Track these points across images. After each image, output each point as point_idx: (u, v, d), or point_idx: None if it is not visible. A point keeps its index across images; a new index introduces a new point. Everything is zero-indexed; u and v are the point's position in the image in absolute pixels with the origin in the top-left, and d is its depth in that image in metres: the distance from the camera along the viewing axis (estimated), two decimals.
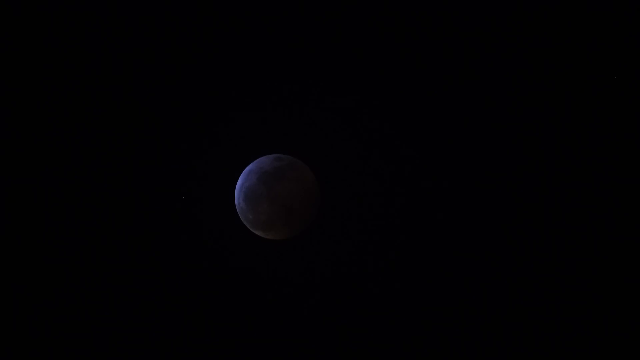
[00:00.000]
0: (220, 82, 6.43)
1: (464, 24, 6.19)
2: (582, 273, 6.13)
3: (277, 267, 6.45)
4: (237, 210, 6.19)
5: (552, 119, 6.19)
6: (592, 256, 6.12)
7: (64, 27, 6.22)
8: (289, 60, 6.38)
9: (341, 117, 6.42)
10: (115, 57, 6.30)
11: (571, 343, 6.10)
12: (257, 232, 6.21)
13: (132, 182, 6.42)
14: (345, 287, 6.44)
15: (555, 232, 6.18)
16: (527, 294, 6.19)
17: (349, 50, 6.32)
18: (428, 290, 6.35)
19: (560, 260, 6.17)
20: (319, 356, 6.36)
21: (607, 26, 6.04)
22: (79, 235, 6.35)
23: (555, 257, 6.17)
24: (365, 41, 6.29)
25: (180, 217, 6.43)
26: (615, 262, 6.06)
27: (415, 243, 6.40)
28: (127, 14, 6.25)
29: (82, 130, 6.35)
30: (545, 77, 6.17)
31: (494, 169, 6.30)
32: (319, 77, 6.39)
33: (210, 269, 6.46)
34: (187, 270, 6.42)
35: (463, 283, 6.28)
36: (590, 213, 6.14)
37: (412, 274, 6.39)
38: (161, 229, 6.42)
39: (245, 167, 6.22)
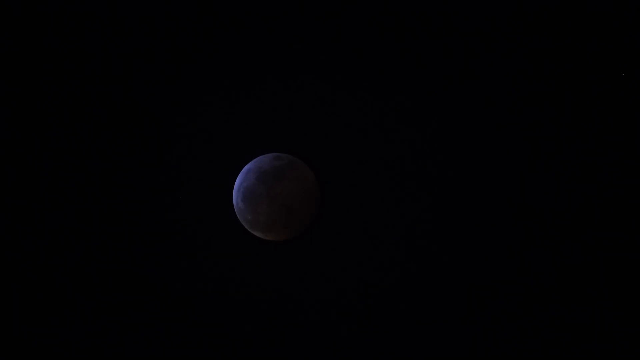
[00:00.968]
0: (217, 79, 6.44)
1: (465, 22, 6.21)
2: (583, 273, 6.14)
3: (277, 269, 6.47)
4: (236, 210, 6.15)
5: (554, 121, 6.21)
6: (592, 256, 6.14)
7: (62, 26, 6.26)
8: (288, 57, 6.39)
9: (342, 114, 6.43)
10: (112, 56, 6.32)
11: (571, 343, 6.13)
12: (256, 233, 6.18)
13: (126, 181, 6.42)
14: (346, 289, 6.44)
15: (556, 233, 6.20)
16: (528, 294, 6.21)
17: (350, 47, 6.34)
18: (430, 291, 6.35)
19: (562, 262, 6.19)
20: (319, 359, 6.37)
21: (607, 26, 6.06)
22: (72, 237, 6.34)
23: (557, 259, 6.20)
24: (369, 37, 6.31)
25: (177, 217, 6.44)
26: (615, 262, 6.09)
27: (417, 244, 6.40)
28: (124, 11, 6.27)
29: (77, 129, 6.36)
30: (548, 77, 6.20)
31: (498, 169, 6.31)
32: (319, 74, 6.40)
33: (207, 271, 6.46)
34: (183, 273, 6.43)
35: (466, 285, 6.29)
36: (590, 213, 6.16)
37: (413, 275, 6.39)
38: (157, 230, 6.43)
39: (244, 166, 6.19)
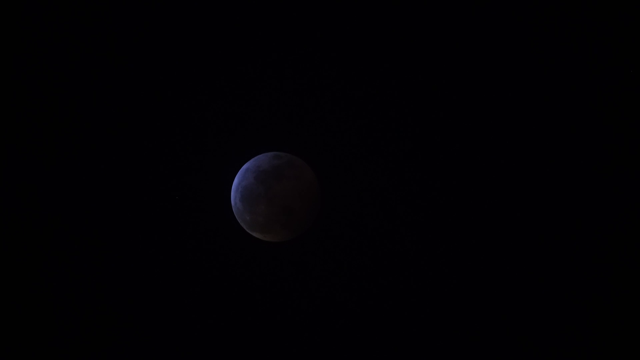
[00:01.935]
0: (215, 77, 6.43)
1: (466, 22, 6.21)
2: (582, 274, 6.17)
3: (276, 270, 6.47)
4: (234, 210, 6.14)
5: (556, 121, 6.23)
6: (592, 257, 6.16)
7: (62, 25, 6.29)
8: (287, 54, 6.39)
9: (342, 112, 6.42)
10: (111, 55, 6.35)
11: (571, 343, 6.16)
12: (255, 234, 6.16)
13: (123, 180, 6.43)
14: (346, 291, 6.45)
15: (558, 234, 6.23)
16: (530, 295, 6.24)
17: (351, 44, 6.33)
18: (431, 292, 6.37)
19: (561, 263, 6.22)
20: None
21: (607, 26, 6.09)
22: (70, 237, 6.37)
23: (559, 260, 6.22)
24: (371, 35, 6.30)
25: (174, 218, 6.45)
26: (615, 262, 6.12)
27: (418, 244, 6.41)
28: (124, 11, 6.29)
29: (75, 129, 6.38)
30: (548, 77, 6.22)
31: (499, 169, 6.32)
32: (319, 72, 6.40)
33: (204, 272, 6.47)
34: (181, 274, 6.44)
35: (466, 286, 6.31)
36: (590, 213, 6.18)
37: (415, 276, 6.41)
38: (153, 230, 6.43)
39: (242, 165, 6.17)
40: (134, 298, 6.39)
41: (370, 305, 6.40)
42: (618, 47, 6.07)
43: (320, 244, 6.42)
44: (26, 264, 6.32)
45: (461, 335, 6.26)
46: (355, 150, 6.42)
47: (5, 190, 6.32)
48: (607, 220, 6.12)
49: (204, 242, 6.45)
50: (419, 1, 6.21)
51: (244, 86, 6.42)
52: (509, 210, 6.27)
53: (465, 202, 6.33)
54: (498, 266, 6.27)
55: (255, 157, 6.15)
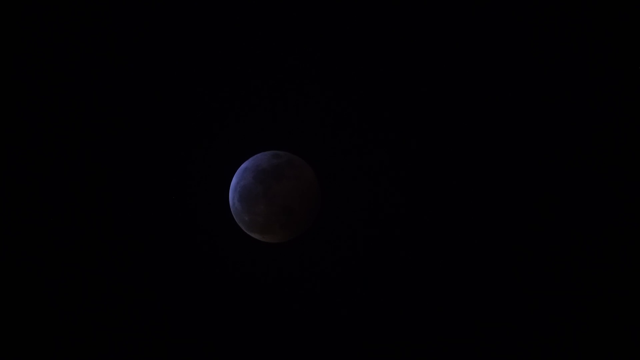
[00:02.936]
0: (214, 74, 6.44)
1: (467, 20, 6.23)
2: (583, 274, 6.19)
3: (275, 271, 6.48)
4: (232, 211, 6.11)
5: (555, 121, 6.24)
6: (592, 257, 6.18)
7: (61, 25, 6.31)
8: (287, 52, 6.40)
9: (343, 110, 6.42)
10: (110, 55, 6.37)
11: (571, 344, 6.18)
12: (254, 235, 6.14)
13: (119, 180, 6.44)
14: (347, 292, 6.46)
15: (557, 234, 6.25)
16: (531, 296, 6.25)
17: (353, 41, 6.34)
18: (432, 293, 6.38)
19: (564, 264, 6.24)
20: None
21: (607, 26, 6.11)
22: (69, 237, 6.38)
23: (559, 260, 6.24)
24: (372, 33, 6.32)
25: (171, 218, 6.46)
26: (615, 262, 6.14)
27: (420, 245, 6.41)
28: (124, 11, 6.32)
29: (74, 129, 6.39)
30: (547, 78, 6.24)
31: (501, 168, 6.32)
32: (319, 69, 6.41)
33: (203, 273, 6.48)
34: (178, 275, 6.45)
35: (467, 286, 6.32)
36: (590, 213, 6.19)
37: (416, 278, 6.41)
38: (150, 231, 6.44)
39: (241, 165, 6.16)
40: (130, 299, 6.39)
41: (371, 305, 6.41)
42: (618, 47, 6.09)
43: (320, 244, 6.43)
44: (26, 264, 6.34)
45: (461, 336, 6.28)
46: (356, 149, 6.43)
47: (5, 190, 6.35)
48: (607, 220, 6.13)
49: (201, 244, 6.47)
50: (420, 1, 6.23)
51: (242, 84, 6.43)
52: (511, 211, 6.28)
53: (467, 202, 6.35)
54: (499, 266, 6.28)
55: (254, 156, 6.14)
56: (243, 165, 6.10)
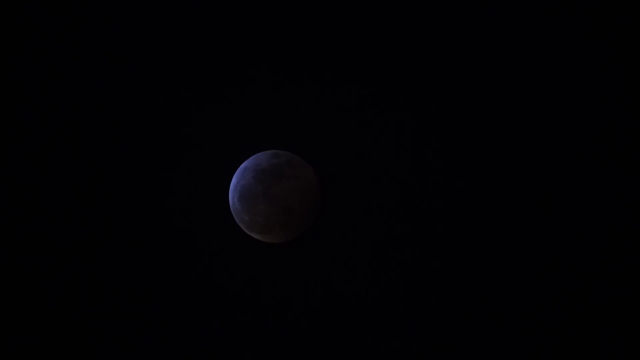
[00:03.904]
0: (214, 74, 6.43)
1: (465, 21, 6.23)
2: (583, 274, 6.18)
3: (275, 272, 6.47)
4: (232, 210, 6.09)
5: (555, 121, 6.24)
6: (592, 257, 6.17)
7: (60, 25, 6.31)
8: (287, 51, 6.39)
9: (344, 109, 6.42)
10: (109, 55, 6.36)
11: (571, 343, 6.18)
12: (254, 235, 6.13)
13: (119, 179, 6.44)
14: (347, 293, 6.44)
15: (557, 234, 6.24)
16: (532, 296, 6.25)
17: (354, 41, 6.33)
18: (432, 293, 6.37)
19: (563, 264, 6.23)
20: None
21: (607, 26, 6.11)
22: (68, 237, 6.37)
23: (558, 260, 6.24)
24: (372, 32, 6.32)
25: (170, 217, 6.45)
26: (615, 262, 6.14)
27: (421, 246, 6.40)
28: (123, 10, 6.32)
29: (73, 129, 6.39)
30: (547, 78, 6.23)
31: (501, 168, 6.31)
32: (320, 68, 6.40)
33: (202, 274, 6.47)
34: (177, 276, 6.44)
35: (468, 286, 6.32)
36: (590, 214, 6.19)
37: (416, 277, 6.41)
38: (149, 231, 6.43)
39: (241, 164, 6.13)
40: (129, 299, 6.38)
41: (371, 306, 6.40)
42: (618, 47, 6.09)
43: (321, 244, 6.42)
44: (25, 264, 6.33)
45: (462, 336, 6.27)
46: (357, 149, 6.42)
47: (5, 190, 6.34)
48: (607, 220, 6.12)
49: (201, 243, 6.45)
50: (420, 1, 6.23)
51: (242, 83, 6.42)
52: (511, 211, 6.27)
53: (468, 202, 6.34)
54: (499, 266, 6.27)
55: (254, 156, 6.12)
56: (243, 165, 6.08)
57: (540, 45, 6.18)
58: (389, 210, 6.41)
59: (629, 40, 6.05)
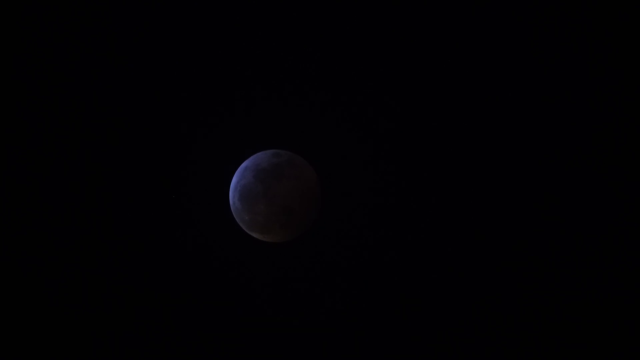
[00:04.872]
0: (214, 74, 6.43)
1: (468, 20, 6.23)
2: (583, 274, 6.18)
3: (275, 271, 6.46)
4: (232, 210, 6.09)
5: (555, 121, 6.24)
6: (592, 257, 6.18)
7: (59, 24, 6.31)
8: (287, 50, 6.38)
9: (344, 109, 6.41)
10: (109, 54, 6.36)
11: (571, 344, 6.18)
12: (254, 234, 6.13)
13: (119, 179, 6.43)
14: (347, 293, 6.44)
15: (557, 235, 6.24)
16: (531, 296, 6.25)
17: (354, 41, 6.33)
18: (432, 293, 6.37)
19: (564, 264, 6.23)
20: None
21: (607, 26, 6.12)
22: (67, 238, 6.36)
23: (558, 260, 6.24)
24: (372, 32, 6.32)
25: (170, 217, 6.44)
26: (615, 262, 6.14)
27: (420, 245, 6.40)
28: (124, 10, 6.32)
29: (73, 128, 6.38)
30: (546, 78, 6.24)
31: (502, 168, 6.31)
32: (320, 68, 6.39)
33: (202, 273, 6.45)
34: (178, 276, 6.43)
35: (468, 287, 6.31)
36: (590, 214, 6.19)
37: (417, 279, 6.40)
38: (150, 230, 6.42)
39: (241, 164, 6.14)
40: (130, 299, 6.38)
41: (371, 306, 6.40)
42: (618, 47, 6.10)
43: (321, 244, 6.41)
44: (25, 264, 6.33)
45: (462, 336, 6.27)
46: (357, 149, 6.41)
47: (5, 190, 6.34)
48: (607, 220, 6.13)
49: (201, 243, 6.44)
50: (420, 1, 6.23)
51: (243, 83, 6.41)
52: (511, 211, 6.27)
53: (468, 202, 6.34)
54: (499, 266, 6.27)
55: (254, 155, 6.12)
56: (243, 164, 6.08)
57: (540, 45, 6.18)
58: (389, 210, 6.41)
59: (628, 40, 6.07)
